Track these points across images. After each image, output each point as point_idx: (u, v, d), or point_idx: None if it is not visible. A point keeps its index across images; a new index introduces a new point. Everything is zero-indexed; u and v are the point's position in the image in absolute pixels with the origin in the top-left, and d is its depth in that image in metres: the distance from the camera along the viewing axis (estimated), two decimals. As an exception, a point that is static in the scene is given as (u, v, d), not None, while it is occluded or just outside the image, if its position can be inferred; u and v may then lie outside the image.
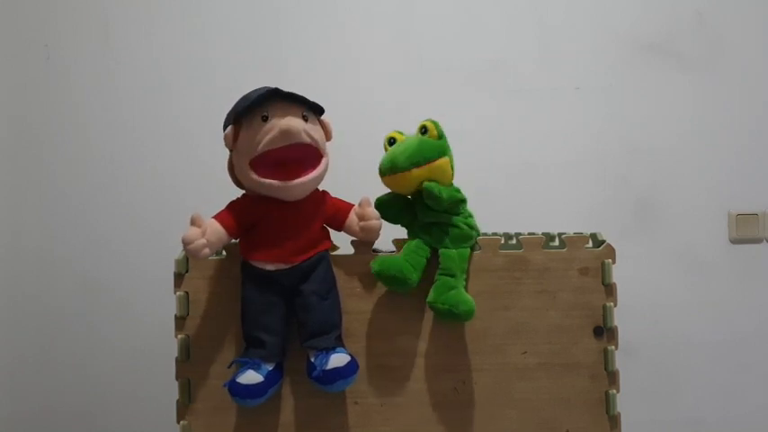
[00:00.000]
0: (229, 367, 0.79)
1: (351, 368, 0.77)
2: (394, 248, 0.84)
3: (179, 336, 0.83)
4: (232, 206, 0.81)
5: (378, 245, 0.86)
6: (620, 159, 1.44)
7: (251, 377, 0.75)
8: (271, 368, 0.78)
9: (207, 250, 0.76)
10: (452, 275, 0.80)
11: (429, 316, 0.83)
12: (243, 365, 0.77)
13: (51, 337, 1.41)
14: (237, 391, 0.75)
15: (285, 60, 1.43)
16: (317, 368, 0.76)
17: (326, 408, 0.83)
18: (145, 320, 1.39)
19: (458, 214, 0.83)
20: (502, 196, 1.40)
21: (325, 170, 0.82)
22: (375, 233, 0.83)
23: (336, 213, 0.84)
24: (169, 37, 1.43)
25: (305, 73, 1.42)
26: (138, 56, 1.43)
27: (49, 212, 1.41)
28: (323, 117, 0.84)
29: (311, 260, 0.80)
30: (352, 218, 0.83)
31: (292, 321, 0.81)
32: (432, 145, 0.82)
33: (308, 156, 0.79)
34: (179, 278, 0.83)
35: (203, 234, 0.76)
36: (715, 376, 1.42)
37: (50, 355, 1.41)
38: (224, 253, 0.84)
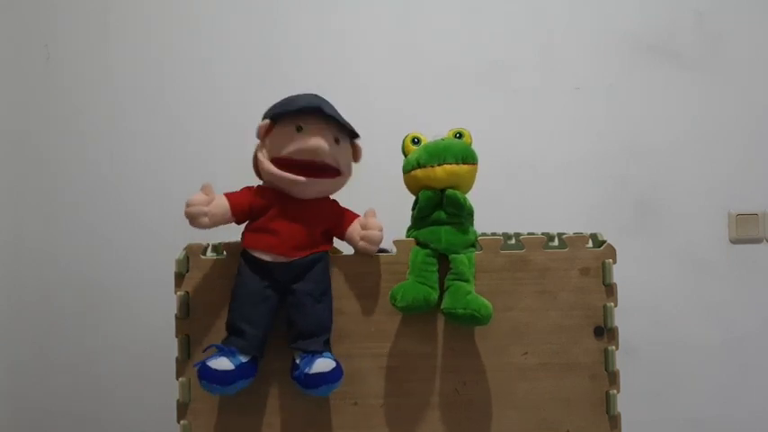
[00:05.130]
0: (204, 351, 0.78)
1: (335, 374, 0.76)
2: (395, 249, 0.84)
3: (179, 336, 0.82)
4: (245, 189, 0.83)
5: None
6: (620, 159, 1.44)
7: (222, 363, 0.74)
8: (245, 360, 0.77)
9: (206, 219, 0.77)
10: (466, 280, 0.80)
11: (429, 317, 0.83)
12: (218, 351, 0.76)
13: (51, 337, 1.40)
14: (205, 374, 0.74)
15: (286, 63, 1.43)
16: (300, 370, 0.75)
17: (326, 408, 0.83)
18: (145, 320, 1.39)
19: (471, 223, 0.85)
20: (502, 196, 1.40)
21: (341, 184, 0.84)
22: (376, 244, 0.83)
23: (341, 220, 0.84)
24: (169, 37, 1.43)
25: (306, 74, 1.42)
26: (138, 55, 1.43)
27: (49, 212, 1.41)
28: (359, 142, 0.86)
29: (308, 258, 0.79)
30: (355, 226, 0.83)
31: (279, 320, 0.80)
32: (473, 149, 0.85)
33: (329, 171, 0.81)
34: (179, 278, 0.83)
35: (208, 204, 0.77)
36: (715, 376, 1.43)
37: (50, 356, 1.41)
38: (224, 253, 0.84)
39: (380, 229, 0.82)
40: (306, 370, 0.75)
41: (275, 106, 0.83)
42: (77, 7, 1.43)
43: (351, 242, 0.84)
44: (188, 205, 0.76)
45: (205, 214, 0.77)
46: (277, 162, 0.80)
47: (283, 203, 0.80)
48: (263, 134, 0.81)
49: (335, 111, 0.82)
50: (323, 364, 0.75)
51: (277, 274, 0.79)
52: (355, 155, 0.86)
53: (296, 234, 0.79)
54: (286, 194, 0.81)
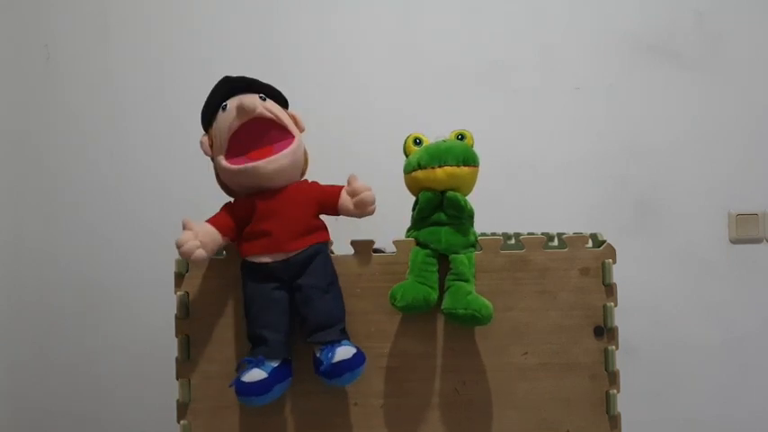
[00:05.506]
0: (237, 370, 0.78)
1: (358, 360, 0.76)
2: (395, 249, 0.84)
3: (179, 336, 0.82)
4: (223, 208, 0.82)
5: (378, 245, 0.86)
6: (620, 159, 1.44)
7: (255, 375, 0.74)
8: (275, 365, 0.77)
9: (201, 251, 0.76)
10: (466, 280, 0.80)
11: (429, 317, 0.83)
12: (248, 365, 0.76)
13: (51, 338, 1.41)
14: (242, 389, 0.74)
15: (287, 63, 1.43)
16: (324, 362, 0.75)
17: (326, 408, 0.83)
18: (145, 320, 1.39)
19: (471, 224, 0.85)
20: (502, 196, 1.40)
21: (299, 150, 0.82)
22: (370, 205, 0.82)
23: (328, 198, 0.83)
24: (169, 37, 1.43)
25: (306, 74, 1.42)
26: (137, 56, 1.43)
27: (49, 213, 1.41)
28: (293, 111, 0.85)
29: (306, 252, 0.79)
30: (344, 197, 0.82)
31: (296, 318, 0.80)
32: (474, 152, 0.84)
33: (277, 135, 0.80)
34: (179, 278, 0.83)
35: (196, 237, 0.77)
36: (715, 376, 1.43)
37: (50, 356, 1.41)
38: (224, 253, 0.84)
39: (369, 189, 0.81)
40: (330, 360, 0.74)
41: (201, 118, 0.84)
42: (77, 7, 1.43)
43: (346, 213, 0.83)
44: (179, 246, 0.76)
45: (198, 247, 0.76)
46: (229, 155, 0.79)
47: (264, 203, 0.80)
48: (209, 147, 0.81)
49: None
50: (344, 352, 0.75)
51: (279, 273, 0.78)
52: (297, 123, 0.84)
53: (287, 226, 0.79)
54: (261, 194, 0.80)
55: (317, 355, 0.77)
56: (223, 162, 0.79)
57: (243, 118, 0.77)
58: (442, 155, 0.82)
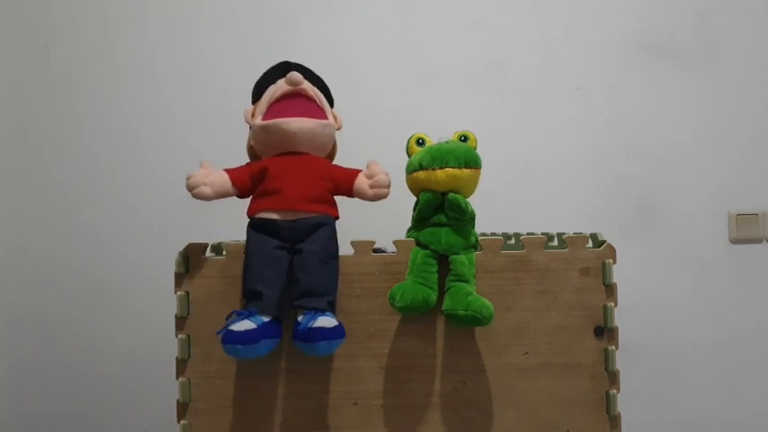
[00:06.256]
0: (227, 319, 0.77)
1: (337, 332, 0.75)
2: (395, 249, 0.84)
3: (179, 336, 0.82)
4: (244, 165, 0.85)
5: (378, 245, 0.86)
6: (620, 159, 1.44)
7: (244, 324, 0.74)
8: (266, 320, 0.76)
9: (207, 188, 0.79)
10: (466, 281, 0.80)
11: (429, 317, 0.83)
12: (238, 316, 0.75)
13: (51, 338, 1.41)
14: (229, 338, 0.73)
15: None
16: (303, 325, 0.75)
17: (326, 408, 0.83)
18: (145, 320, 1.39)
19: (472, 226, 0.85)
20: (502, 196, 1.40)
21: (330, 129, 0.86)
22: (386, 187, 0.84)
23: (345, 177, 0.85)
24: (169, 37, 1.43)
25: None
26: (137, 56, 1.43)
27: (49, 212, 1.41)
28: (335, 111, 0.89)
29: (314, 219, 0.80)
30: (361, 178, 0.85)
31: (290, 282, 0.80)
32: (476, 153, 0.84)
33: (314, 113, 0.84)
34: (179, 278, 0.83)
35: (207, 176, 0.80)
36: (715, 376, 1.43)
37: (50, 356, 1.41)
38: (224, 253, 0.84)
39: (386, 173, 0.84)
40: (309, 324, 0.74)
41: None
42: (77, 7, 1.43)
43: (361, 195, 0.85)
44: (188, 178, 0.79)
45: (205, 183, 0.79)
46: (268, 118, 0.82)
47: (281, 164, 0.82)
48: (251, 116, 0.85)
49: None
50: (325, 321, 0.75)
51: (284, 233, 0.79)
52: (335, 120, 0.88)
53: (299, 188, 0.80)
54: (283, 155, 0.82)
55: (299, 318, 0.77)
56: (258, 120, 0.83)
57: (289, 86, 0.82)
58: (443, 156, 0.82)
